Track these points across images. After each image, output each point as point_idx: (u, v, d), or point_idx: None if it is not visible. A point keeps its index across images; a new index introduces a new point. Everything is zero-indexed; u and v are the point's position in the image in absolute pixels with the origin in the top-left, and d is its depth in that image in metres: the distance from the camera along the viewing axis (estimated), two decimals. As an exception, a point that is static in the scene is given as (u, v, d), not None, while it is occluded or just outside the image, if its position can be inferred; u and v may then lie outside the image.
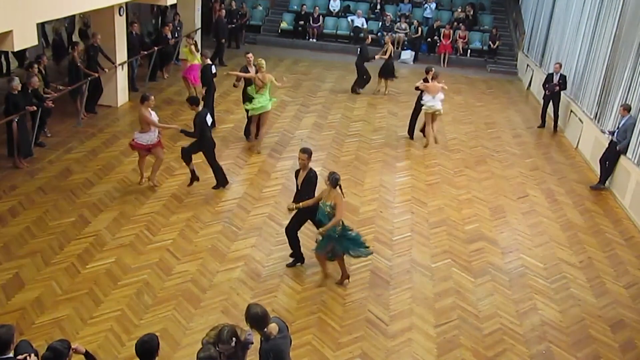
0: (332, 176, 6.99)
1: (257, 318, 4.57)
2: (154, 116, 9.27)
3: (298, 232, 7.68)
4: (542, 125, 14.18)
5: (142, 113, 9.13)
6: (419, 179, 10.81)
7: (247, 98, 11.23)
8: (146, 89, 14.52)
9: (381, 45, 19.72)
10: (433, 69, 12.28)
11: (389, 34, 18.58)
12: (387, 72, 15.72)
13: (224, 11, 18.32)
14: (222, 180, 9.73)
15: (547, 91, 13.74)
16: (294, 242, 7.71)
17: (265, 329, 4.57)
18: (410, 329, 6.80)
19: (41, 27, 14.24)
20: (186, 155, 9.34)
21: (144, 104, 9.17)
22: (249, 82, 11.21)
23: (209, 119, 9.38)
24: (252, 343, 4.93)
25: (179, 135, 10.60)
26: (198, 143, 9.30)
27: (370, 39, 16.60)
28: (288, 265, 7.77)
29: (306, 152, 7.36)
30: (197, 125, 9.15)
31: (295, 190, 7.71)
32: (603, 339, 6.94)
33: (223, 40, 17.46)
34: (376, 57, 15.43)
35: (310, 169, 7.44)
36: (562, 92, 13.73)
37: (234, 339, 4.62)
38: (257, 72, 11.01)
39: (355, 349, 6.40)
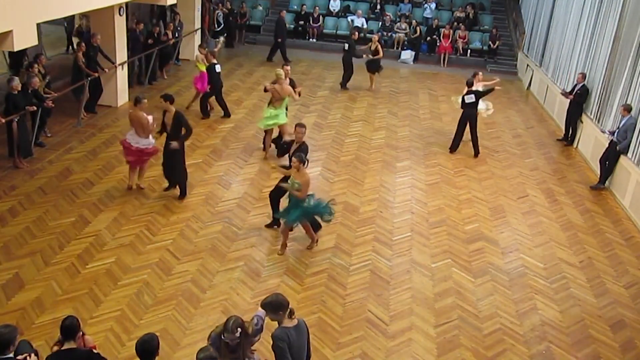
0: (300, 156, 7.57)
1: (275, 303, 4.59)
2: (150, 119, 9.06)
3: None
4: (564, 138, 13.34)
5: (139, 115, 8.93)
6: (419, 179, 10.81)
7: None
8: (146, 89, 14.55)
9: (380, 45, 19.90)
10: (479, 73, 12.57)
11: (377, 33, 18.48)
12: (374, 66, 15.96)
13: (284, 12, 19.34)
14: (180, 187, 9.31)
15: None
16: (275, 204, 8.50)
17: (281, 313, 4.57)
18: (410, 329, 6.80)
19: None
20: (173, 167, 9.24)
21: (137, 106, 9.02)
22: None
23: None
24: (262, 331, 4.98)
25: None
26: (181, 142, 9.03)
27: (357, 35, 16.60)
28: (266, 226, 8.59)
29: (304, 126, 8.38)
30: (184, 123, 8.88)
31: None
32: (603, 339, 6.94)
33: (279, 40, 18.31)
34: (363, 55, 15.76)
35: (304, 142, 8.33)
36: (583, 107, 12.74)
37: (239, 329, 4.67)
38: (274, 83, 10.80)
39: (355, 349, 6.41)
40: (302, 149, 8.20)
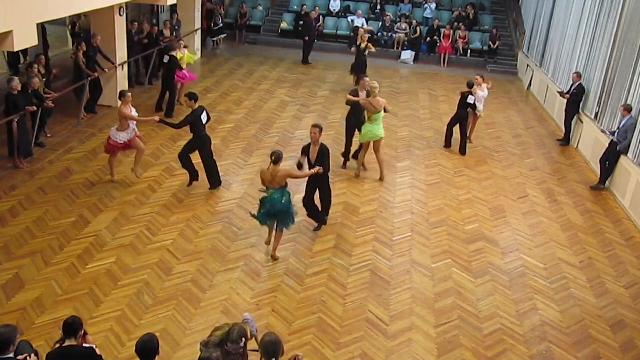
0: (276, 154, 7.52)
1: (269, 345, 4.41)
2: (133, 112, 9.30)
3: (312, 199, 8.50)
4: (564, 138, 13.31)
5: (121, 110, 9.20)
6: (419, 179, 10.80)
7: (355, 125, 10.49)
8: (146, 88, 14.56)
9: (381, 45, 20.00)
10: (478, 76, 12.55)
11: (365, 34, 17.40)
12: (359, 67, 15.78)
13: (314, 12, 19.60)
14: (215, 181, 9.71)
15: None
16: (311, 209, 8.55)
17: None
18: (410, 329, 6.80)
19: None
20: (183, 156, 9.42)
21: (122, 100, 9.27)
22: (357, 108, 10.38)
23: (204, 117, 9.35)
24: (256, 332, 4.98)
25: (179, 135, 10.63)
26: (193, 142, 9.38)
27: (366, 37, 16.63)
28: (315, 229, 8.59)
29: (317, 127, 8.15)
30: (185, 120, 9.22)
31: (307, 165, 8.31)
32: (603, 339, 6.94)
33: (307, 38, 18.57)
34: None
35: (322, 143, 8.21)
36: (580, 106, 12.85)
37: (243, 339, 4.68)
38: (368, 96, 10.19)
39: (355, 349, 6.40)
40: (322, 150, 8.15)
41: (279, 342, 4.46)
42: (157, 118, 9.60)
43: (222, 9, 19.84)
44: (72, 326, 4.54)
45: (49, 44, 15.47)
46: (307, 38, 18.56)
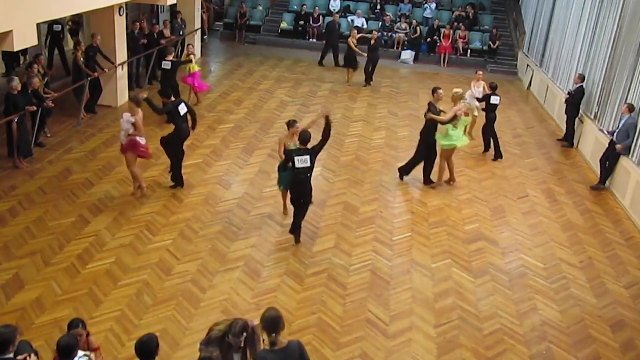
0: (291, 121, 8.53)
1: (269, 321, 4.47)
2: (139, 114, 8.95)
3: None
4: (564, 138, 13.29)
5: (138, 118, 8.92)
6: (419, 179, 10.78)
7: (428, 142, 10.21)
8: (146, 88, 14.56)
9: (381, 45, 20.01)
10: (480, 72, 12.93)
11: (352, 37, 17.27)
12: (349, 61, 16.59)
13: (337, 16, 19.54)
14: (178, 181, 9.58)
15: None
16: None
17: (274, 335, 4.45)
18: (410, 329, 6.80)
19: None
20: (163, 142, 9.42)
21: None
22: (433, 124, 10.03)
23: (182, 109, 9.10)
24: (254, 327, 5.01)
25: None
26: (172, 132, 9.25)
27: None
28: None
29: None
30: (166, 107, 9.22)
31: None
32: (603, 339, 6.94)
33: (333, 44, 18.42)
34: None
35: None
36: (579, 107, 12.76)
37: (244, 333, 4.71)
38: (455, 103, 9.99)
39: (355, 349, 6.40)
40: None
41: (279, 317, 4.50)
42: (144, 95, 9.29)
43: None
44: (67, 349, 4.33)
45: (63, 40, 15.37)
46: (333, 43, 18.44)
